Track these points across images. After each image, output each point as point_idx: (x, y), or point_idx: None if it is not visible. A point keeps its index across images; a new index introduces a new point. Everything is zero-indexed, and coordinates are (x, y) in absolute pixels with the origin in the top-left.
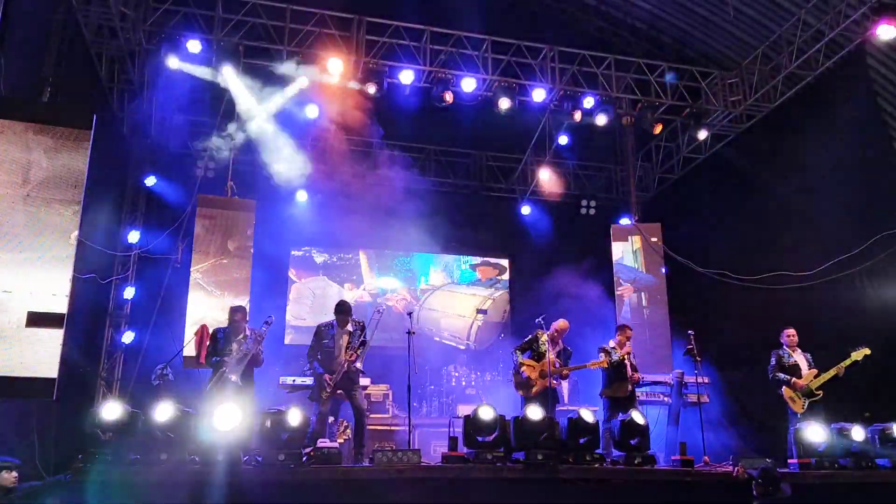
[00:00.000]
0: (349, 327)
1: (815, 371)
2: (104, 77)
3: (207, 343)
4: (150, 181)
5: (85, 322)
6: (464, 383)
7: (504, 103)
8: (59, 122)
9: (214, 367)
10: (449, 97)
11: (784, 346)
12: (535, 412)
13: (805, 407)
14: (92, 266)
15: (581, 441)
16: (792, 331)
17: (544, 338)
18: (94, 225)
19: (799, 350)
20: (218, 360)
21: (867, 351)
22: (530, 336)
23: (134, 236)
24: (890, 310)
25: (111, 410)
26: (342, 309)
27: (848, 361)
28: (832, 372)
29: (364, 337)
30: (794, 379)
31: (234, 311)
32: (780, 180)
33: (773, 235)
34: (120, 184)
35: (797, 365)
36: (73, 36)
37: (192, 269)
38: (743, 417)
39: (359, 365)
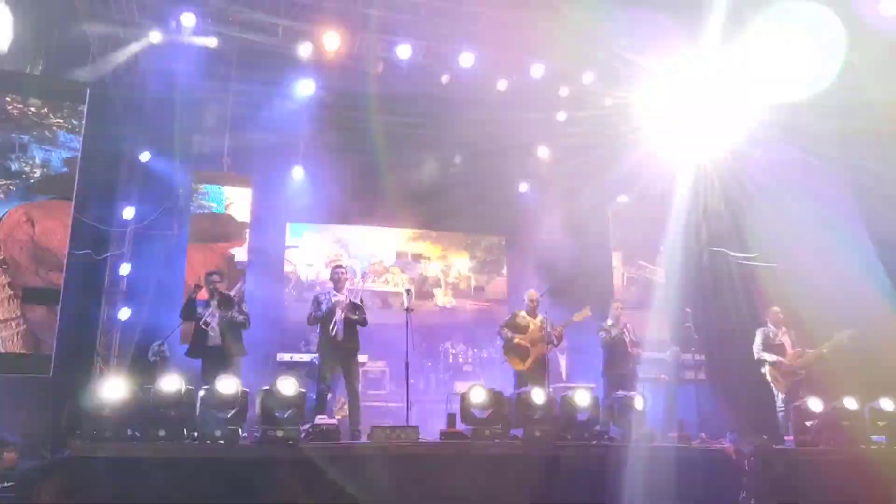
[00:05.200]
0: (345, 291)
1: (798, 351)
2: (96, 51)
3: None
4: (145, 156)
5: (80, 298)
6: (461, 360)
7: (502, 84)
8: (51, 96)
9: (196, 331)
10: (445, 79)
11: (769, 325)
12: (535, 389)
13: (788, 386)
14: (87, 242)
15: (580, 418)
16: (777, 309)
17: (522, 313)
18: (88, 200)
19: (784, 328)
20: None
21: (853, 332)
22: (509, 316)
23: (129, 212)
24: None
25: (114, 388)
26: (337, 273)
27: (833, 342)
28: (816, 353)
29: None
30: (779, 359)
31: (209, 275)
32: None
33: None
34: (114, 159)
35: (783, 344)
36: (66, 9)
37: (188, 245)
38: (739, 394)
39: (358, 300)
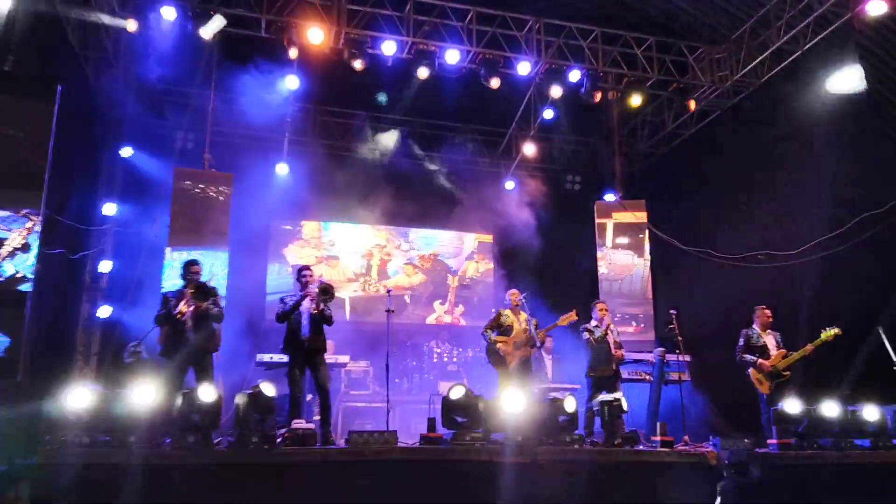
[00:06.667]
0: (311, 290)
1: (783, 352)
2: (76, 45)
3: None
4: (126, 152)
5: (58, 297)
6: (445, 359)
7: (495, 82)
8: (20, 93)
9: (171, 327)
10: (423, 72)
11: (754, 326)
12: (518, 398)
13: (772, 388)
14: (65, 240)
15: (562, 421)
16: (768, 311)
17: (507, 312)
18: (66, 198)
19: (770, 330)
20: (168, 315)
21: (837, 331)
22: (493, 315)
23: (110, 208)
24: (869, 291)
25: (79, 398)
26: (305, 276)
27: (817, 342)
28: (800, 353)
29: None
30: (760, 360)
31: (191, 264)
32: (765, 157)
33: (757, 213)
34: (95, 155)
35: (766, 346)
36: (43, 1)
37: (168, 243)
38: (724, 396)
39: (322, 308)
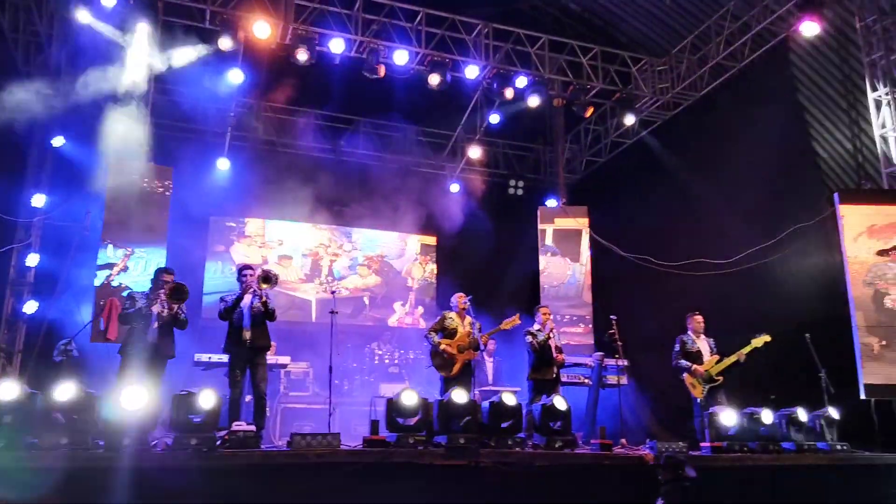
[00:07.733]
0: (250, 282)
1: (716, 357)
2: (7, 26)
3: (117, 315)
4: (58, 141)
5: None
6: (387, 361)
7: (434, 79)
8: None
9: (134, 325)
10: (381, 71)
11: (689, 332)
12: (460, 395)
13: (705, 392)
14: None
15: (504, 425)
16: (700, 317)
17: (452, 315)
18: None
19: (703, 336)
20: (135, 314)
21: (767, 338)
22: (438, 318)
23: (39, 200)
24: (798, 299)
25: (7, 391)
26: (245, 276)
27: (748, 348)
28: (732, 358)
29: (266, 296)
30: (694, 366)
31: (165, 272)
32: (702, 168)
33: (694, 223)
34: (24, 144)
35: (700, 352)
36: None
37: (102, 238)
38: (660, 400)
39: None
